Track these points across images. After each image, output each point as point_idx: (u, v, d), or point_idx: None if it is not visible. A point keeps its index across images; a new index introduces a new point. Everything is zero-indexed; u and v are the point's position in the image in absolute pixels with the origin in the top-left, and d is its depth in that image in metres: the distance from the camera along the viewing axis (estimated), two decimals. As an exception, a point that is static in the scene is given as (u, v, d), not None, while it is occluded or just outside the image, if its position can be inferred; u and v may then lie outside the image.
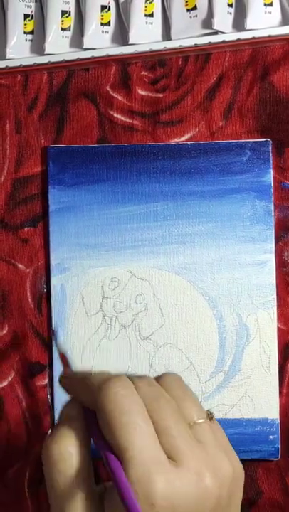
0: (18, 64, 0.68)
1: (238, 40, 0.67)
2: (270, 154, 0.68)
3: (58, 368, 0.69)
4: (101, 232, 0.69)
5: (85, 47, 0.68)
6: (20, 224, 0.71)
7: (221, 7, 0.67)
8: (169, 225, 0.69)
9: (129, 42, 0.68)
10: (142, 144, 0.69)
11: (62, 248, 0.69)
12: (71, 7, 0.69)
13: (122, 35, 0.69)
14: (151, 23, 0.68)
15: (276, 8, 0.68)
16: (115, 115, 0.70)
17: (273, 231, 0.68)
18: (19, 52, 0.69)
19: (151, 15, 0.68)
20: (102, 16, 0.68)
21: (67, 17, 0.69)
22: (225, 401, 0.68)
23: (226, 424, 0.68)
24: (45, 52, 0.68)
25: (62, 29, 0.69)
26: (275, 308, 0.68)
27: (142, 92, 0.70)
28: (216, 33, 0.67)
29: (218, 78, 0.69)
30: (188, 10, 0.68)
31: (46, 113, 0.71)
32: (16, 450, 0.71)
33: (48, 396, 0.70)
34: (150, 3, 0.68)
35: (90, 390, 0.45)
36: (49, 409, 0.70)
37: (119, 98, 0.70)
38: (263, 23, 0.67)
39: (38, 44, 0.69)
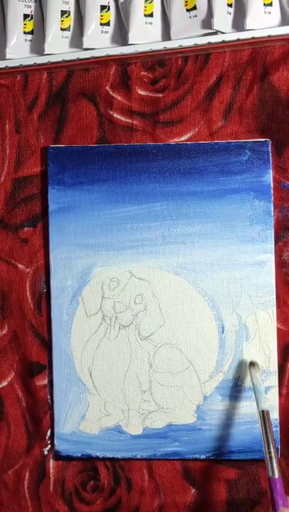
0: (17, 64, 0.68)
1: (238, 40, 0.67)
2: (270, 154, 0.68)
3: (58, 368, 0.69)
4: (101, 232, 0.69)
5: (84, 47, 0.68)
6: (20, 224, 0.71)
7: (220, 7, 0.67)
8: (168, 225, 0.69)
9: (129, 42, 0.68)
10: (142, 144, 0.69)
11: (61, 248, 0.69)
12: (71, 7, 0.69)
13: (121, 35, 0.69)
14: (151, 23, 0.68)
15: (276, 8, 0.68)
16: (115, 115, 0.70)
17: (273, 231, 0.68)
18: (19, 52, 0.69)
19: (151, 15, 0.68)
20: (101, 15, 0.68)
21: (66, 17, 0.69)
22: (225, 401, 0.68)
23: (225, 424, 0.68)
24: (45, 53, 0.68)
25: (61, 29, 0.69)
26: (274, 309, 0.68)
27: (141, 92, 0.70)
28: (216, 33, 0.67)
29: (217, 78, 0.69)
30: (187, 10, 0.68)
31: (46, 113, 0.71)
32: (16, 450, 0.71)
33: (48, 396, 0.70)
34: (150, 3, 0.68)
35: None
36: (49, 409, 0.70)
37: (119, 98, 0.70)
38: (262, 23, 0.67)
39: (37, 44, 0.69)
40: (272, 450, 0.59)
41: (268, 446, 0.59)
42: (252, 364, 0.67)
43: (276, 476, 0.58)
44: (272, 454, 0.59)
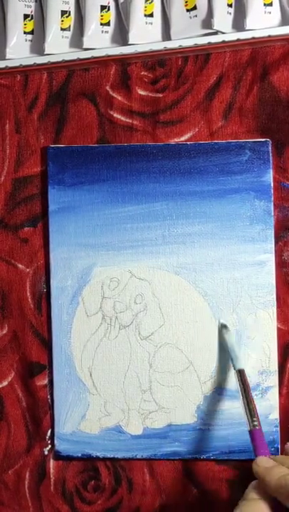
0: (17, 64, 0.68)
1: (238, 40, 0.67)
2: (270, 154, 0.68)
3: (58, 368, 0.69)
4: (101, 232, 0.69)
5: (84, 47, 0.68)
6: (20, 224, 0.71)
7: (220, 7, 0.67)
8: (168, 225, 0.69)
9: (129, 42, 0.68)
10: (142, 143, 0.69)
11: (62, 248, 0.69)
12: (71, 7, 0.69)
13: (121, 35, 0.69)
14: (151, 23, 0.68)
15: (276, 8, 0.68)
16: (115, 115, 0.70)
17: (273, 231, 0.68)
18: (19, 52, 0.69)
19: (151, 15, 0.68)
20: (101, 15, 0.68)
21: (67, 17, 0.69)
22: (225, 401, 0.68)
23: (225, 425, 0.68)
24: (45, 53, 0.68)
25: (62, 29, 0.69)
26: (274, 308, 0.68)
27: (141, 92, 0.70)
28: (216, 33, 0.67)
29: (217, 78, 0.69)
30: (188, 10, 0.68)
31: (46, 113, 0.71)
32: (16, 450, 0.71)
33: (48, 396, 0.70)
34: (150, 3, 0.68)
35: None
36: (49, 409, 0.70)
37: (119, 98, 0.70)
38: (262, 23, 0.67)
39: (37, 44, 0.69)
40: (251, 405, 0.61)
41: (247, 401, 0.61)
42: (224, 326, 0.68)
43: (257, 428, 0.60)
44: (251, 408, 0.61)
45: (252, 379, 0.68)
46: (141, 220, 0.69)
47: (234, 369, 0.65)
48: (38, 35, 0.69)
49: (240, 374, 0.64)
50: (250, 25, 0.67)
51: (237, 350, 0.66)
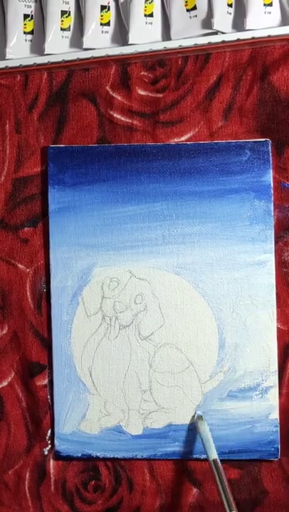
0: (17, 64, 0.68)
1: (238, 40, 0.67)
2: (270, 154, 0.68)
3: (58, 368, 0.69)
4: (101, 232, 0.69)
5: (84, 47, 0.68)
6: (20, 224, 0.71)
7: (220, 7, 0.67)
8: (168, 225, 0.69)
9: (129, 42, 0.68)
10: (142, 144, 0.70)
11: (62, 248, 0.69)
12: (71, 7, 0.69)
13: (121, 35, 0.69)
14: (151, 23, 0.68)
15: (276, 8, 0.68)
16: (115, 115, 0.70)
17: (273, 231, 0.68)
18: (19, 52, 0.69)
19: (151, 15, 0.68)
20: (101, 16, 0.69)
21: (67, 17, 0.69)
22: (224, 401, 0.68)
23: (225, 425, 0.68)
24: (45, 53, 0.68)
25: (62, 29, 0.69)
26: (274, 309, 0.68)
27: (141, 92, 0.70)
28: (216, 33, 0.67)
29: (217, 78, 0.69)
30: (188, 10, 0.68)
31: (46, 113, 0.71)
32: (16, 450, 0.71)
33: (48, 396, 0.70)
34: (150, 3, 0.68)
35: None
36: (49, 409, 0.70)
37: (119, 98, 0.70)
38: (262, 23, 0.67)
39: (37, 44, 0.69)
40: (227, 495, 0.61)
41: (223, 491, 0.62)
42: (199, 417, 0.68)
43: None
44: (228, 498, 0.61)
45: (252, 379, 0.68)
46: (141, 220, 0.69)
47: (208, 459, 0.65)
48: (38, 35, 0.69)
49: (215, 463, 0.64)
50: (250, 25, 0.67)
51: (210, 440, 0.66)
